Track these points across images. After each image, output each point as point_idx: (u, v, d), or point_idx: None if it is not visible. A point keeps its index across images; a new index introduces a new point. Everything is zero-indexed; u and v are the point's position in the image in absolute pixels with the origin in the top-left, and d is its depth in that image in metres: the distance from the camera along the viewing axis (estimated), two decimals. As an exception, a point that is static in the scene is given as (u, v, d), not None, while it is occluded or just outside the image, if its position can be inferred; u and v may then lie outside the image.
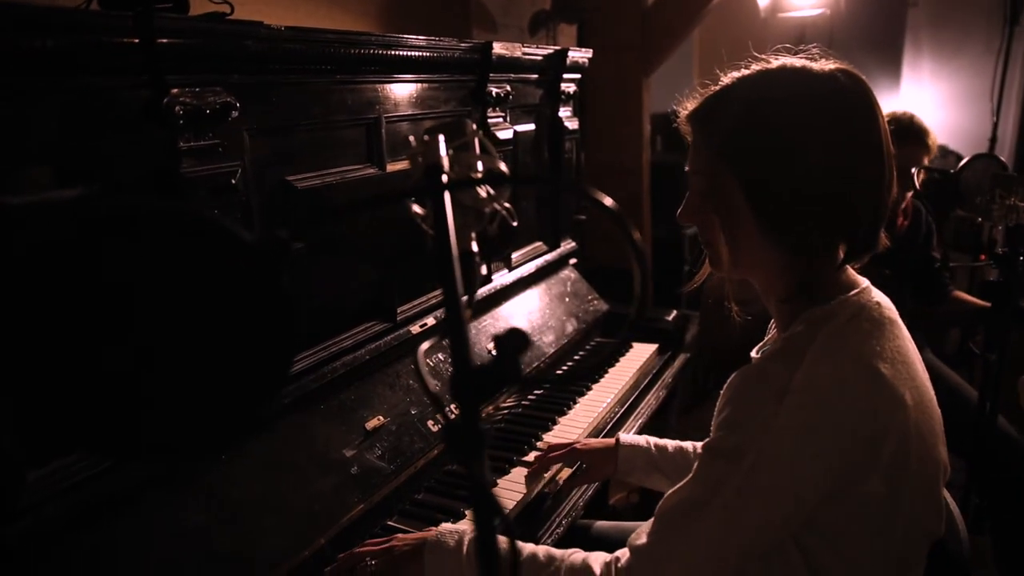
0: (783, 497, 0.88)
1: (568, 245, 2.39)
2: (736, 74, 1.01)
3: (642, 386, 2.01)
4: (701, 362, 3.38)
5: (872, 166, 0.94)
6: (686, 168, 1.05)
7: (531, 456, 1.57)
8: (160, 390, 0.55)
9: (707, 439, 0.97)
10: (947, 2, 5.14)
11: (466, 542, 1.09)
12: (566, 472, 1.51)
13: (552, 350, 1.99)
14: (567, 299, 2.23)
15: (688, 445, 1.42)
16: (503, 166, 0.82)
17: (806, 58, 0.98)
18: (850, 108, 0.94)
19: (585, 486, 1.53)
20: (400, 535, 1.20)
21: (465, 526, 1.18)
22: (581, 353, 2.18)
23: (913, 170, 1.95)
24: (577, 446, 1.47)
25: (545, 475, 1.49)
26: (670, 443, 1.43)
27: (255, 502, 1.17)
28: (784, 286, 0.99)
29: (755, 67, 0.99)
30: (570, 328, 2.12)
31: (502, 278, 1.99)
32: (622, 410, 1.86)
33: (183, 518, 1.09)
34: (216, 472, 1.16)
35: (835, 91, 0.94)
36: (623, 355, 2.15)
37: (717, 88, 1.01)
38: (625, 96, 3.12)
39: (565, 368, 2.07)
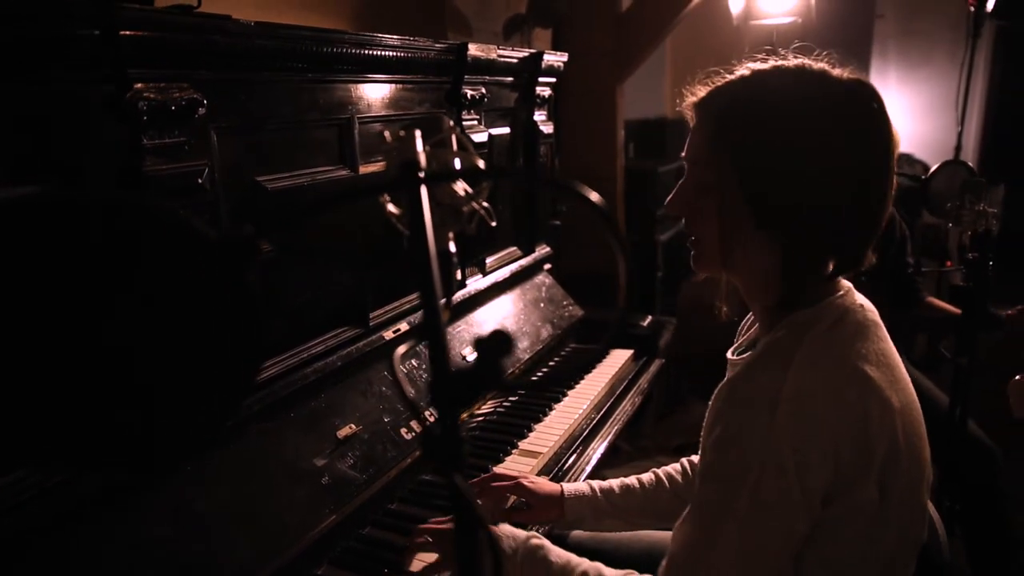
0: (795, 509, 0.84)
1: (543, 250, 2.37)
2: (752, 66, 0.97)
3: (618, 392, 2.00)
4: (676, 367, 3.38)
5: (879, 180, 0.92)
6: (682, 155, 1.01)
7: (507, 462, 1.55)
8: (122, 392, 0.52)
9: (702, 464, 0.91)
10: (913, 14, 5.26)
11: (520, 551, 1.08)
12: (511, 499, 1.39)
13: (527, 356, 1.96)
14: (542, 304, 2.21)
15: (632, 481, 1.36)
16: (481, 163, 0.79)
17: (827, 63, 0.95)
18: (865, 119, 0.91)
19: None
20: None
21: (523, 533, 1.13)
22: (556, 359, 2.16)
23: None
24: (524, 481, 1.37)
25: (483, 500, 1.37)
26: (615, 484, 1.36)
27: (222, 512, 1.13)
28: (771, 294, 0.96)
29: (771, 63, 0.96)
30: (545, 334, 2.10)
31: (476, 283, 1.96)
32: (598, 416, 1.84)
33: (148, 529, 1.04)
34: (182, 481, 1.11)
35: (851, 101, 0.91)
36: (600, 361, 2.13)
37: (730, 79, 0.97)
38: (599, 102, 3.12)
39: (541, 374, 2.05)
